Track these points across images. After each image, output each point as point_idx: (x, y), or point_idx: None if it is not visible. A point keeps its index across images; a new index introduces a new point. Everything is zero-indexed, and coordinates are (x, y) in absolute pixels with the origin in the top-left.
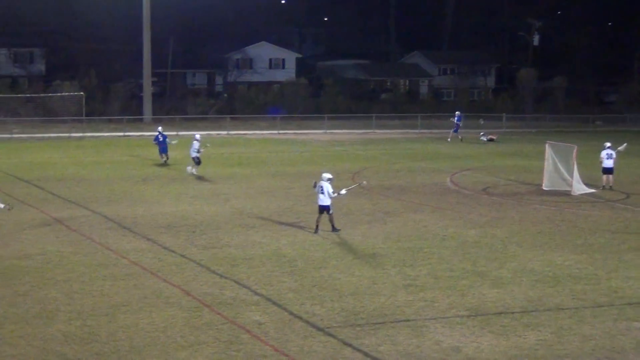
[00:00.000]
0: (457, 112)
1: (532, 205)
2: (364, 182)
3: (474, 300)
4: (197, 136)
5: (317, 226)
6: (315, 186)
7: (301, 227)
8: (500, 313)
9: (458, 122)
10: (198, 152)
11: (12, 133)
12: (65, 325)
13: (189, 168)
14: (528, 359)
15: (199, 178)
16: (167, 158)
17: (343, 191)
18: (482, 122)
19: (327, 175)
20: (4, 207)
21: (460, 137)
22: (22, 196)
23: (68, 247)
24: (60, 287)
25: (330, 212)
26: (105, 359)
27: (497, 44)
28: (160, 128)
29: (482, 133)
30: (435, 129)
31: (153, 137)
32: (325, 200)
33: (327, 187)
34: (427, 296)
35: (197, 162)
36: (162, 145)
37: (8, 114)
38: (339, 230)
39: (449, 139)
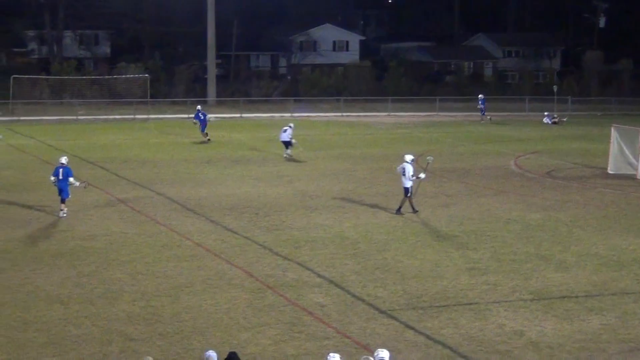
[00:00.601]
0: (480, 96)
1: (596, 188)
2: (431, 157)
3: (538, 283)
4: (292, 125)
5: (412, 206)
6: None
7: (364, 210)
8: (564, 297)
9: (482, 106)
10: (290, 138)
11: (77, 115)
12: (129, 305)
13: (288, 152)
14: (592, 344)
15: (290, 159)
16: (208, 135)
17: (422, 175)
18: (555, 89)
19: (409, 157)
20: (80, 184)
21: (489, 117)
22: (87, 177)
23: (132, 228)
24: (125, 268)
25: (408, 195)
26: (168, 339)
27: (563, 26)
28: (199, 107)
29: (546, 114)
30: (500, 112)
31: (194, 115)
32: (406, 182)
33: (409, 169)
34: (490, 279)
35: (287, 145)
36: (203, 124)
37: (74, 96)
38: (403, 213)
39: (482, 121)
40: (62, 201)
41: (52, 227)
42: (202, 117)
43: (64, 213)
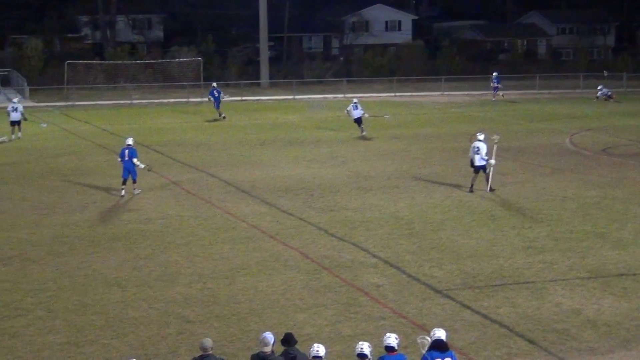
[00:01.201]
0: (494, 74)
1: None
2: (497, 136)
3: (595, 262)
4: (355, 99)
5: (471, 185)
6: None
7: (419, 190)
8: (622, 275)
9: (497, 84)
10: (363, 113)
11: (132, 99)
12: (186, 288)
13: (364, 132)
14: None
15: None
16: (223, 113)
17: (492, 161)
18: (605, 75)
19: (481, 135)
20: (144, 167)
21: (502, 94)
22: (142, 161)
23: (188, 211)
24: (181, 251)
25: (487, 171)
26: (225, 321)
27: (617, 2)
28: (215, 84)
29: (600, 87)
30: (555, 89)
31: (209, 92)
32: (480, 161)
33: (482, 147)
34: (546, 258)
35: (360, 123)
36: (217, 101)
37: (128, 80)
38: (494, 190)
39: (493, 99)
40: (124, 183)
41: (109, 211)
42: (217, 95)
43: (137, 191)
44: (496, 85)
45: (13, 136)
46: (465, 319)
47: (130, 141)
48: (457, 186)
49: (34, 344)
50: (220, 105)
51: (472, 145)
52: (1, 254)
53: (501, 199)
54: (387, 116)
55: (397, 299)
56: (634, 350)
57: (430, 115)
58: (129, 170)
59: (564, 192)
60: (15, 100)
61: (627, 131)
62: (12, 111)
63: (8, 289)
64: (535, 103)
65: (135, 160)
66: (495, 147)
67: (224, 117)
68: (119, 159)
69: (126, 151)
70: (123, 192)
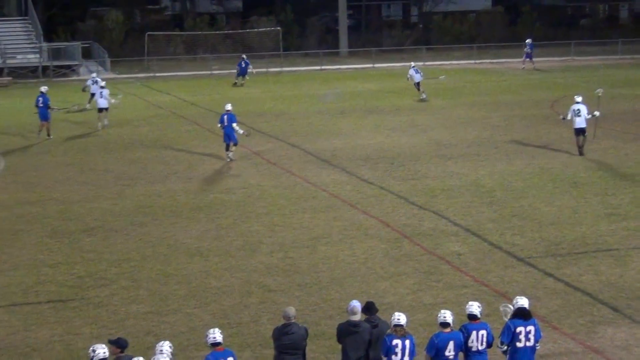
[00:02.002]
0: (528, 41)
1: None
2: (600, 90)
3: None
4: (413, 63)
5: (579, 148)
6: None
7: (500, 157)
8: None
9: (530, 50)
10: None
11: (211, 70)
12: (267, 257)
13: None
14: None
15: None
16: (239, 82)
17: (597, 113)
18: None
19: (579, 97)
20: (243, 132)
21: (533, 63)
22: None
23: (268, 181)
24: (262, 220)
25: (586, 134)
26: (306, 290)
27: None
28: (244, 55)
29: None
30: (637, 54)
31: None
32: (581, 123)
33: (583, 109)
34: (630, 225)
35: (419, 86)
36: (243, 71)
37: (207, 51)
38: (584, 154)
39: (523, 66)
40: (227, 148)
41: (191, 181)
42: (244, 66)
43: (229, 157)
44: (529, 52)
45: (99, 124)
46: (547, 286)
47: (229, 107)
48: (539, 153)
49: (117, 313)
50: (244, 77)
51: (571, 108)
52: (85, 225)
53: (584, 166)
54: (442, 77)
55: (479, 267)
56: None
57: (510, 82)
58: (229, 135)
59: None
60: (94, 75)
61: None
62: (93, 84)
63: (92, 259)
64: (617, 69)
65: (234, 125)
66: (599, 99)
67: (242, 84)
68: (219, 125)
69: (225, 117)
70: (229, 156)
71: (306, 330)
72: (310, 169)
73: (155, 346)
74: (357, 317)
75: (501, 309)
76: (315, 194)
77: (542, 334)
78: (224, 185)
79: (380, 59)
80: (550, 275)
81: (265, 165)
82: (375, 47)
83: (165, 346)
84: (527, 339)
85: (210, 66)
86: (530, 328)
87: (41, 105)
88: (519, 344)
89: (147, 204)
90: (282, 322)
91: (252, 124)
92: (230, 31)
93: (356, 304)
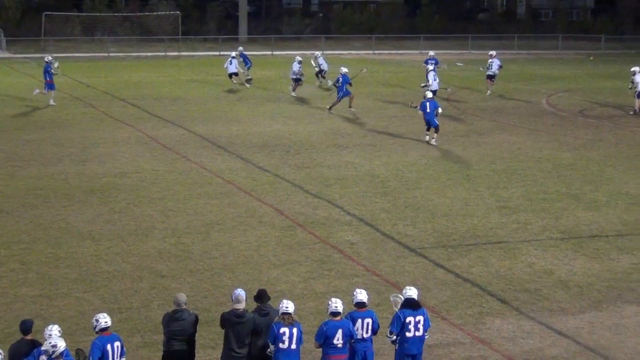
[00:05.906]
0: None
1: (629, 128)
2: (365, 69)
3: (568, 223)
4: (299, 58)
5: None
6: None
7: (395, 148)
8: (594, 236)
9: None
10: (299, 74)
11: (109, 52)
12: (160, 242)
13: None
14: (621, 283)
15: (299, 99)
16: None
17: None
18: (591, 57)
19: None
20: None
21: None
22: (118, 114)
23: (163, 166)
24: (155, 205)
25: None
26: (198, 276)
27: None
28: (240, 48)
29: None
30: (533, 50)
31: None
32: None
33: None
34: (520, 218)
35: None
36: (248, 64)
37: (105, 33)
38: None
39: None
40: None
41: (83, 164)
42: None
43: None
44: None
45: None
46: (438, 277)
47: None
48: (433, 145)
49: (6, 295)
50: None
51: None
52: None
53: (477, 159)
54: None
55: (371, 256)
56: (605, 311)
57: (408, 74)
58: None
59: (540, 153)
60: None
61: (604, 93)
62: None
63: None
64: (513, 63)
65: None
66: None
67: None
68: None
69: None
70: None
71: (196, 317)
72: (206, 155)
73: (43, 330)
74: (242, 305)
75: (391, 299)
76: (210, 180)
77: (431, 324)
78: (117, 169)
79: (280, 46)
80: (441, 266)
81: (160, 149)
82: (274, 34)
83: (54, 330)
84: (417, 329)
85: (107, 48)
86: (420, 318)
87: None
88: (408, 334)
89: (39, 186)
90: (173, 308)
91: (148, 108)
92: (129, 14)
93: (241, 292)
